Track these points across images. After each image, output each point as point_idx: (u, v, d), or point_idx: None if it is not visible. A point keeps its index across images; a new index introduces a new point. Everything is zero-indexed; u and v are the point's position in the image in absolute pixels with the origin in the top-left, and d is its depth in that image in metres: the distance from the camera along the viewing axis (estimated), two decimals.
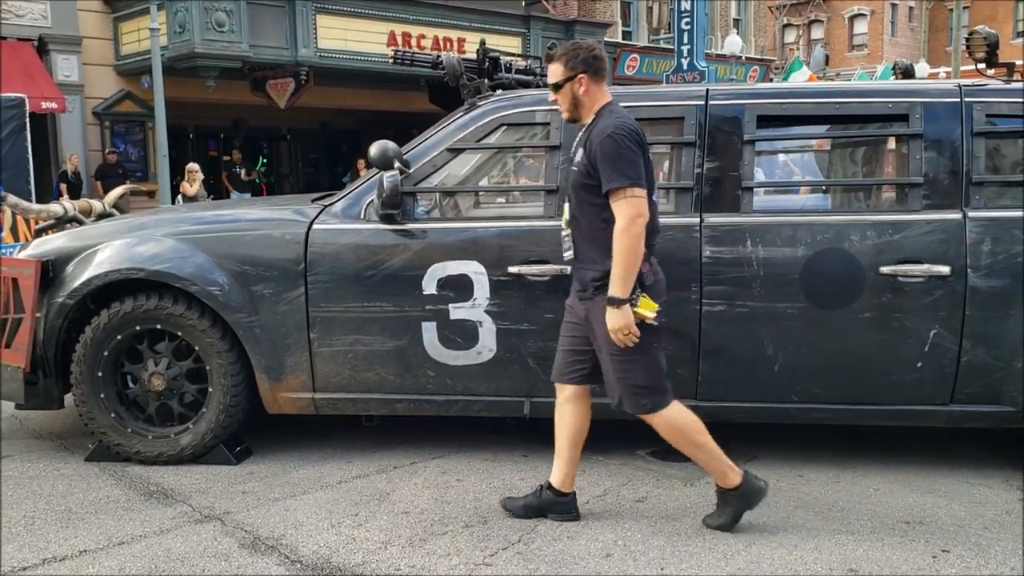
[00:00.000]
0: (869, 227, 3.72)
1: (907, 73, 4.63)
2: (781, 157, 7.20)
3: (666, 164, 5.14)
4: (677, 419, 3.24)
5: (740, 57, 24.11)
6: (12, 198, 4.71)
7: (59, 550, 3.16)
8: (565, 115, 3.28)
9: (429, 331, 3.91)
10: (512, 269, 3.81)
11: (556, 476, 3.41)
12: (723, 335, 3.76)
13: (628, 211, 2.99)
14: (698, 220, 3.78)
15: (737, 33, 25.27)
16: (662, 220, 3.85)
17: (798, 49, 37.33)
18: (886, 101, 3.90)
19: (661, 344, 3.22)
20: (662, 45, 23.43)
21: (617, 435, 4.34)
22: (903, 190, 3.84)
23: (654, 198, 3.19)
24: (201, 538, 3.26)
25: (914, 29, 42.04)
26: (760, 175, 4.06)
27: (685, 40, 20.79)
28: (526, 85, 4.44)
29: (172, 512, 3.51)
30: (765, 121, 3.92)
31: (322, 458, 4.16)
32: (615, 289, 3.02)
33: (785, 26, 39.10)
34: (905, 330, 3.69)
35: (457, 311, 3.88)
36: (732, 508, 3.28)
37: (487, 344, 3.88)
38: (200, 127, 20.74)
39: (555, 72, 3.18)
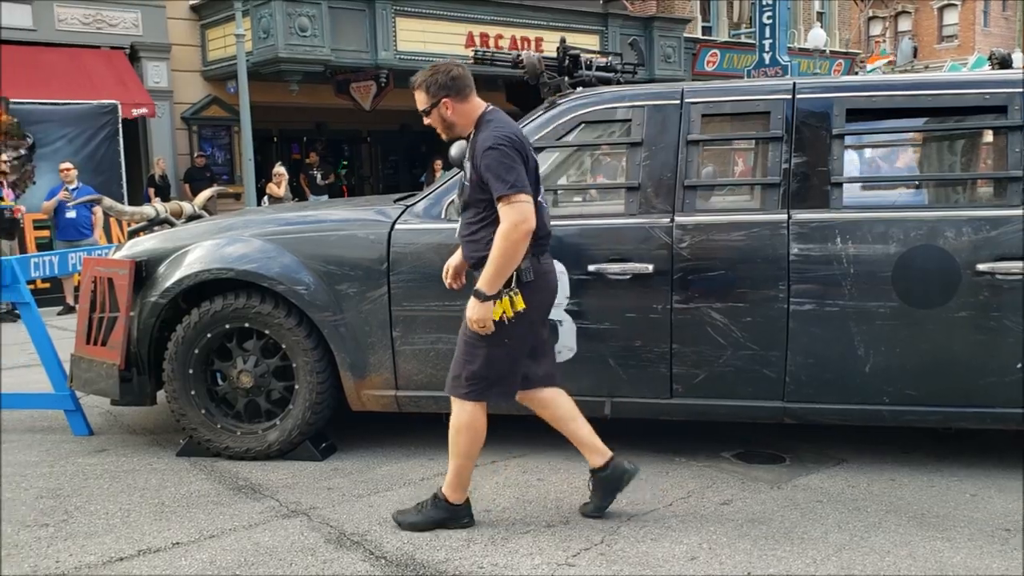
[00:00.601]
0: (965, 223, 3.58)
1: (1004, 63, 4.44)
2: (871, 151, 6.99)
3: (751, 159, 5.05)
4: (477, 421, 3.23)
5: (824, 51, 23.53)
6: (107, 200, 4.90)
7: (153, 542, 3.26)
8: (443, 136, 3.33)
9: None
10: (592, 268, 3.78)
11: (592, 459, 3.41)
12: (811, 335, 3.66)
13: (513, 216, 3.00)
14: (785, 217, 3.69)
15: (821, 26, 24.67)
16: (747, 217, 3.80)
17: (884, 41, 36.28)
18: (983, 92, 3.75)
19: (518, 342, 3.19)
20: (743, 40, 23.02)
21: (701, 437, 4.28)
22: (1001, 184, 3.68)
23: (540, 200, 3.18)
24: (288, 532, 3.32)
25: (1008, 18, 40.41)
26: (850, 170, 3.94)
27: (767, 34, 20.40)
28: (607, 82, 4.40)
29: (260, 507, 3.59)
30: (855, 115, 3.81)
31: (405, 455, 4.20)
32: (484, 284, 3.06)
33: (870, 18, 37.98)
34: (1004, 330, 3.54)
35: None
36: (435, 515, 3.30)
37: (567, 343, 3.85)
38: (284, 130, 21.21)
39: (420, 100, 3.21)
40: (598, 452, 3.39)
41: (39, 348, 4.76)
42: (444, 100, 3.17)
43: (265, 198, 13.89)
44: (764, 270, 3.67)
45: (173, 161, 16.08)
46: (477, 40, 16.53)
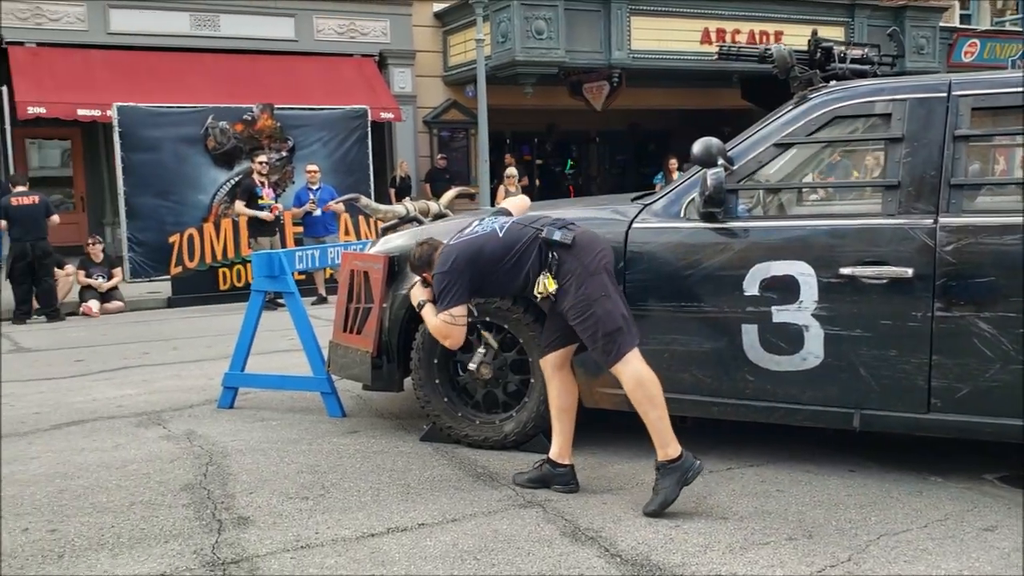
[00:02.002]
0: None
1: None
2: None
3: (1015, 156, 4.62)
4: (641, 371, 3.47)
5: None
6: (364, 199, 5.25)
7: (400, 521, 3.44)
8: None
9: (749, 334, 3.79)
10: (844, 271, 3.59)
11: (552, 448, 3.78)
12: None
13: (440, 328, 3.73)
14: None
15: None
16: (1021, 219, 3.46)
17: None
18: None
19: (609, 289, 3.51)
20: (1007, 28, 21.08)
21: (959, 456, 3.97)
22: None
23: (501, 226, 3.71)
24: (525, 522, 3.40)
25: None
26: None
27: None
28: (862, 75, 4.16)
29: (498, 495, 3.69)
30: None
31: (636, 455, 4.17)
32: (428, 295, 3.84)
33: None
34: None
35: (781, 314, 3.72)
36: (670, 481, 3.42)
37: (813, 350, 3.68)
38: (516, 132, 21.78)
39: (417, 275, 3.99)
40: (564, 450, 3.76)
41: (301, 335, 5.16)
42: (423, 274, 3.89)
43: (498, 199, 14.34)
44: None
45: (414, 163, 16.97)
46: (713, 36, 16.18)
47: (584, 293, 3.47)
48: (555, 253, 3.54)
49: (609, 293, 3.50)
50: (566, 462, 3.76)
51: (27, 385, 6.26)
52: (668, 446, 3.45)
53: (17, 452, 4.48)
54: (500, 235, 3.67)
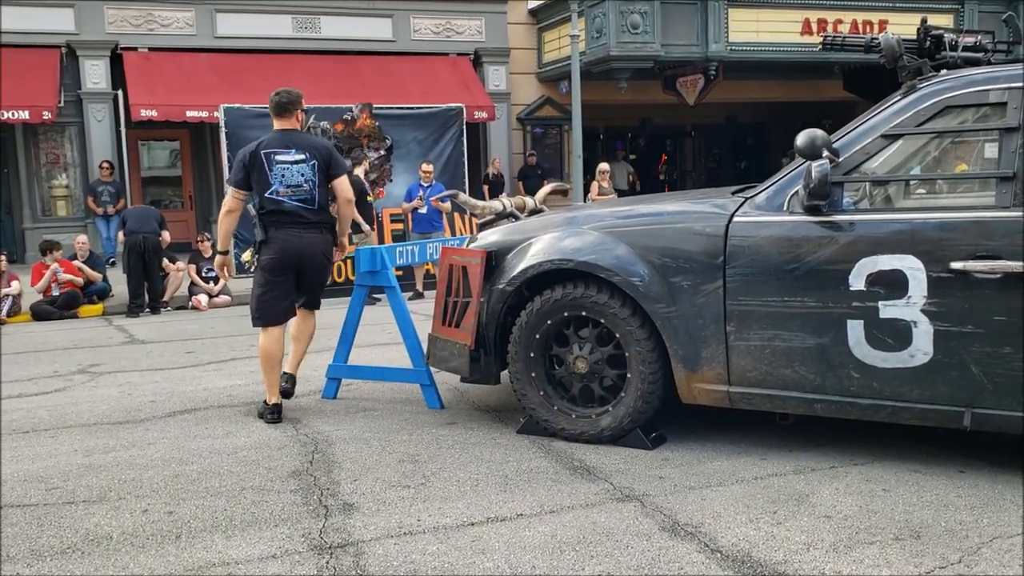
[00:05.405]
0: None
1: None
2: None
3: None
4: (264, 343, 4.94)
5: None
6: (462, 195, 5.33)
7: (500, 511, 3.49)
8: None
9: (855, 329, 3.71)
10: (956, 265, 3.48)
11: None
12: None
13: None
14: None
15: None
16: None
17: None
18: None
19: (270, 287, 4.90)
20: None
21: None
22: None
23: (276, 189, 4.84)
24: (623, 516, 3.40)
25: None
26: None
27: None
28: (975, 63, 4.01)
29: (595, 488, 3.71)
30: None
31: (735, 452, 4.13)
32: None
33: None
34: None
35: (888, 309, 3.63)
36: (259, 408, 5.04)
37: (921, 346, 3.58)
38: (610, 128, 21.70)
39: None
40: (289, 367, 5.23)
41: (402, 328, 5.28)
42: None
43: (590, 195, 14.31)
44: None
45: (508, 160, 17.08)
46: (814, 26, 15.79)
47: (258, 276, 4.95)
48: (263, 233, 4.82)
49: (273, 288, 4.88)
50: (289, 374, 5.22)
51: (143, 375, 6.57)
52: (268, 395, 4.98)
53: (136, 438, 4.71)
54: (280, 181, 4.83)
